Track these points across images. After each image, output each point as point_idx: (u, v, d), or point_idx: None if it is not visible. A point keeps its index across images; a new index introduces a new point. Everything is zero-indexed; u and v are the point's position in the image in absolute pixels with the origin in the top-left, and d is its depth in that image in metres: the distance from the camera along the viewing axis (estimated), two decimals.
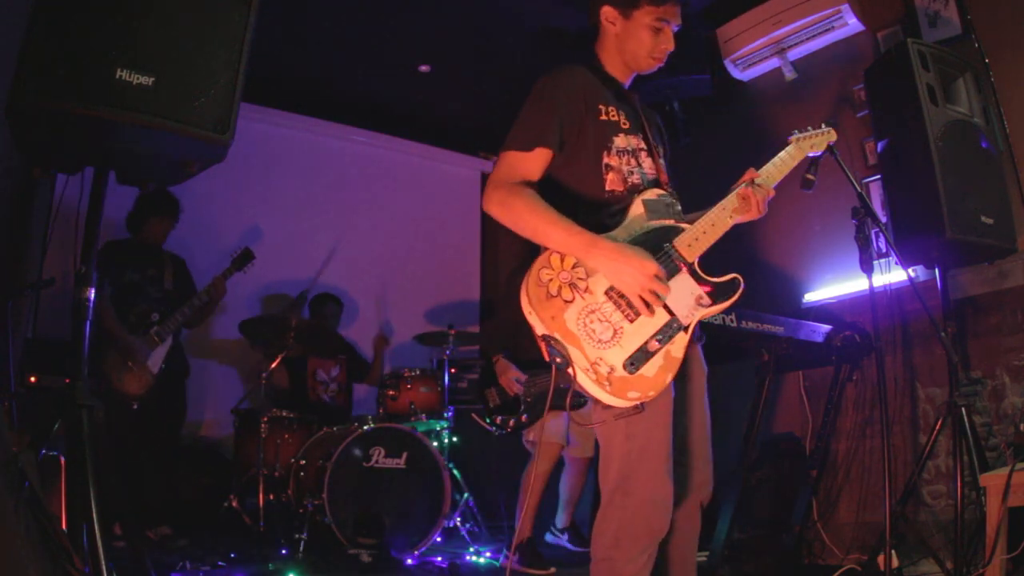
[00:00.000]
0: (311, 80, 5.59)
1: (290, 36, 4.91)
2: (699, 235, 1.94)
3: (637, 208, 1.95)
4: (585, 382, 1.75)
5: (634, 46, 2.10)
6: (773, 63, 4.45)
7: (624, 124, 2.05)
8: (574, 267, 1.81)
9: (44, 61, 2.02)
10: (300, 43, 5.05)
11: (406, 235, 6.36)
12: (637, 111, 2.14)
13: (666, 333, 1.82)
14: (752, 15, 4.39)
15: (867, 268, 2.67)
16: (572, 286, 1.79)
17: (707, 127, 4.92)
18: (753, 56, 4.46)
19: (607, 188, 1.99)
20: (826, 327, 3.50)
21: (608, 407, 1.84)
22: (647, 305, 1.81)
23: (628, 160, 2.02)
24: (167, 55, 2.19)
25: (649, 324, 1.81)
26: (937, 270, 3.25)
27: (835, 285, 4.01)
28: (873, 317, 2.92)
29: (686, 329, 1.85)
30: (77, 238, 2.30)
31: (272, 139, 5.80)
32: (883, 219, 3.50)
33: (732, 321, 3.07)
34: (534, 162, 1.96)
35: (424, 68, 5.41)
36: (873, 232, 3.46)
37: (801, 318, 3.46)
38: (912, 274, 3.27)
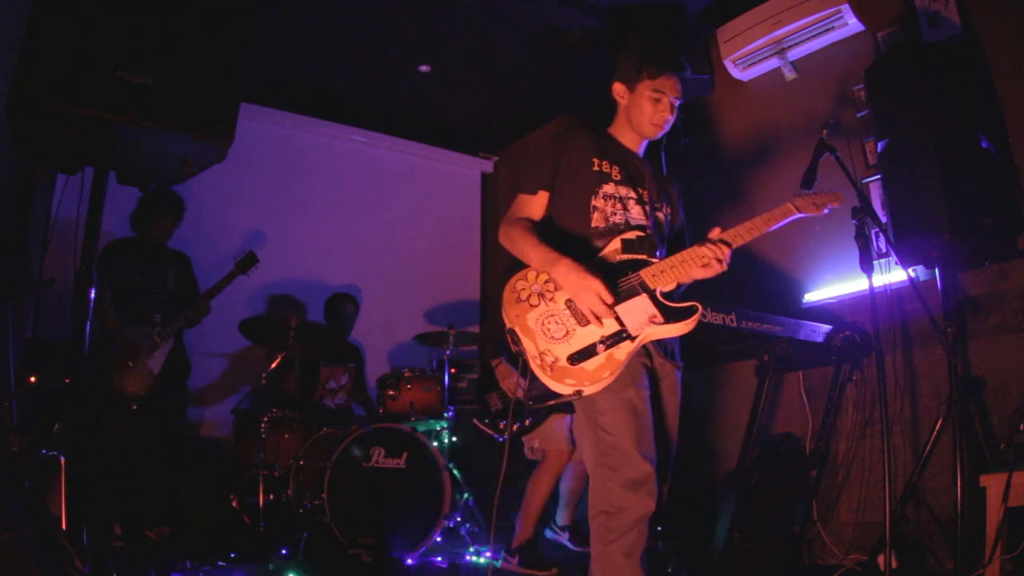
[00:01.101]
0: (311, 80, 5.58)
1: (290, 36, 4.91)
2: (665, 268, 2.27)
3: (615, 244, 2.33)
4: (534, 368, 2.16)
5: (637, 115, 2.47)
6: (773, 63, 4.44)
7: (616, 176, 2.42)
8: (545, 282, 2.24)
9: (44, 61, 2.02)
10: (300, 43, 5.05)
11: (406, 235, 6.36)
12: (640, 172, 2.49)
13: (613, 339, 2.17)
14: (752, 15, 4.39)
15: (867, 268, 2.67)
16: (540, 295, 2.23)
17: (707, 127, 4.92)
18: (753, 56, 4.46)
19: (592, 225, 2.37)
20: (826, 327, 3.50)
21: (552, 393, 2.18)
22: (595, 316, 2.17)
23: (614, 204, 2.39)
24: (167, 55, 2.19)
25: (598, 331, 2.18)
26: (937, 270, 3.25)
27: (835, 285, 4.00)
28: (873, 317, 2.93)
29: (633, 339, 2.18)
30: (77, 238, 2.31)
31: (272, 139, 5.79)
32: (883, 219, 3.49)
33: (732, 321, 3.08)
34: (537, 202, 2.43)
35: (424, 68, 5.41)
36: (873, 232, 3.47)
37: (801, 318, 3.46)
38: (912, 274, 3.27)
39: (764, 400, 3.48)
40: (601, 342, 2.17)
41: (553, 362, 2.15)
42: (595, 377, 2.14)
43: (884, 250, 3.68)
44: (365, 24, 4.84)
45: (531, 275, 2.26)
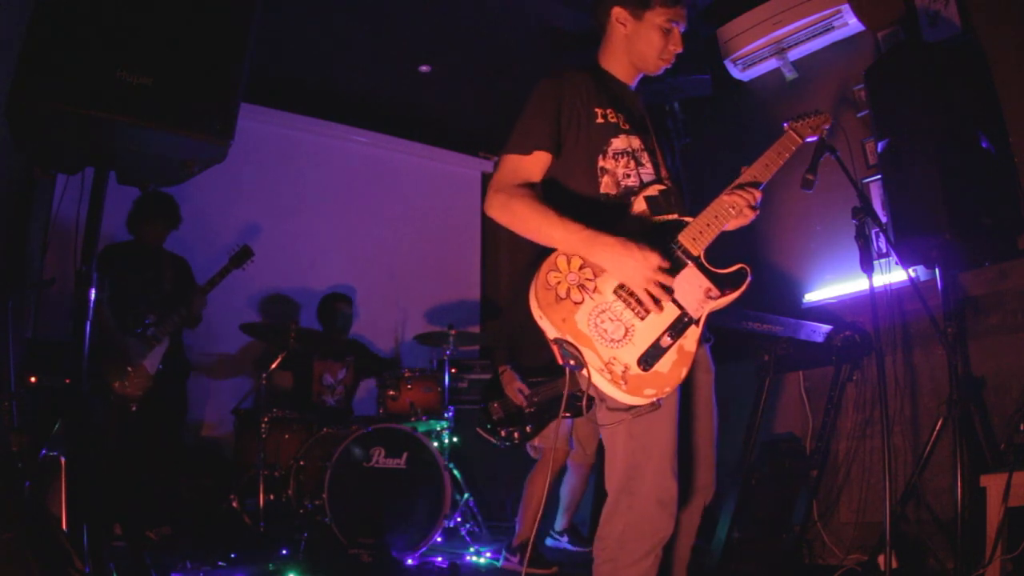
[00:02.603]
0: (311, 80, 5.59)
1: (290, 36, 4.91)
2: (703, 228, 1.95)
3: (640, 205, 1.97)
4: (600, 383, 1.77)
5: (644, 47, 2.12)
6: (773, 63, 4.44)
7: (624, 125, 2.05)
8: (581, 268, 1.82)
9: (44, 61, 2.02)
10: (300, 43, 5.05)
11: (406, 235, 6.36)
12: (641, 112, 2.15)
13: (677, 328, 1.83)
14: (752, 15, 4.38)
15: (867, 268, 2.67)
16: (581, 287, 1.81)
17: (707, 127, 4.92)
18: (753, 56, 4.45)
19: (601, 191, 2.00)
20: (826, 327, 3.50)
21: (624, 407, 1.84)
22: (655, 300, 1.82)
23: (626, 162, 2.02)
24: (167, 55, 2.19)
25: (660, 320, 1.83)
26: (937, 270, 3.25)
27: (835, 285, 4.00)
28: (873, 317, 2.93)
29: (697, 322, 1.86)
30: (77, 238, 2.30)
31: (272, 139, 5.79)
32: (883, 219, 3.49)
33: (732, 321, 3.07)
34: (533, 165, 1.99)
35: (424, 68, 5.41)
36: (873, 232, 3.47)
37: (801, 318, 3.45)
38: (912, 274, 3.27)
39: (764, 400, 3.48)
40: (667, 334, 1.82)
41: (624, 371, 1.77)
42: (673, 379, 1.81)
43: (884, 250, 3.68)
44: (365, 24, 4.84)
45: (562, 262, 1.83)
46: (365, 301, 5.96)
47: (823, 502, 3.75)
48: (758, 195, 2.05)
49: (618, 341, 1.78)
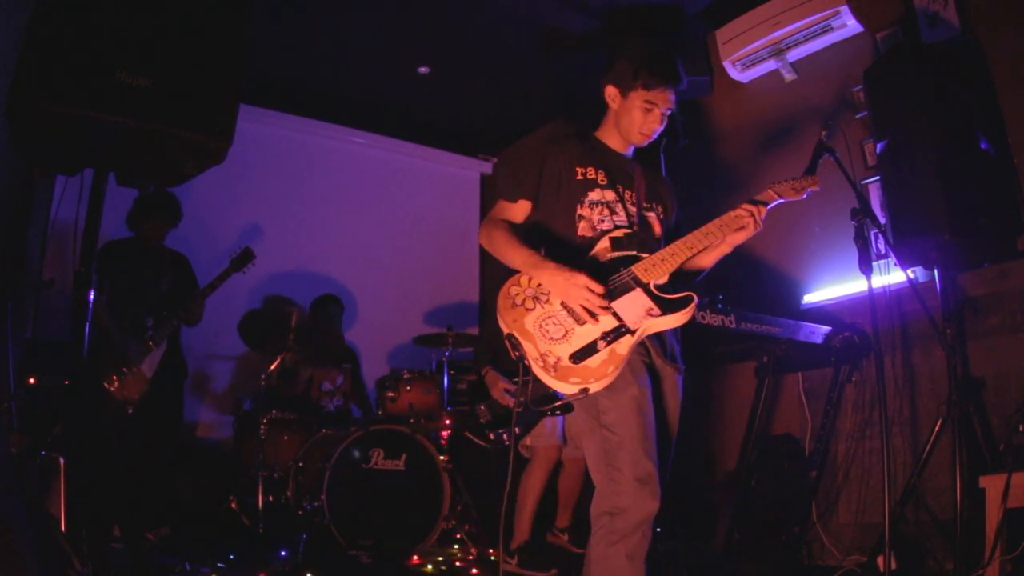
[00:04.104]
0: (310, 82, 5.59)
1: (289, 38, 4.91)
2: (656, 262, 2.27)
3: (603, 243, 2.33)
4: (536, 370, 2.13)
5: (627, 122, 2.45)
6: (772, 64, 4.44)
7: (601, 181, 2.40)
8: (538, 285, 2.24)
9: (44, 63, 2.03)
10: (299, 45, 5.05)
11: (405, 237, 6.35)
12: (628, 173, 2.47)
13: (613, 335, 2.17)
14: (751, 16, 4.39)
15: (866, 269, 2.67)
16: (535, 299, 2.23)
17: (706, 129, 4.92)
18: (752, 57, 4.46)
19: (579, 234, 2.36)
20: (825, 328, 3.50)
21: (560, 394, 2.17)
22: (589, 313, 2.16)
23: (601, 211, 2.37)
24: (166, 56, 2.19)
25: (597, 327, 2.17)
26: (936, 271, 3.25)
27: (834, 286, 4.00)
28: (872, 318, 2.92)
29: (633, 333, 2.18)
30: (76, 239, 2.31)
31: (271, 141, 5.79)
32: (882, 220, 3.50)
33: (731, 323, 3.08)
34: (517, 210, 2.43)
35: (423, 70, 5.41)
36: (872, 233, 3.47)
37: (800, 319, 3.46)
38: (911, 275, 3.27)
39: (763, 401, 3.48)
40: (602, 338, 2.15)
41: (555, 362, 2.13)
42: (600, 373, 2.12)
43: (883, 251, 3.68)
44: (364, 25, 4.84)
45: (523, 280, 2.26)
46: (364, 302, 5.96)
47: (822, 503, 3.75)
48: (764, 209, 2.35)
49: (557, 340, 2.16)
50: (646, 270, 2.27)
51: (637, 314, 2.19)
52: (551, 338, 2.16)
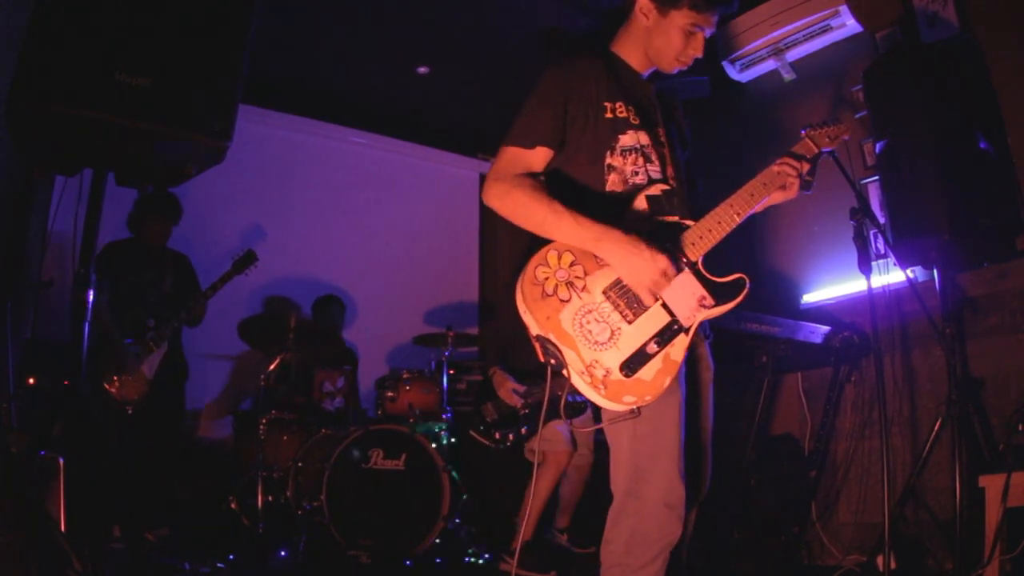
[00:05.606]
0: (310, 82, 5.59)
1: (289, 38, 4.91)
2: (703, 233, 1.89)
3: (640, 203, 1.90)
4: (580, 385, 1.71)
5: (662, 44, 2.03)
6: (771, 64, 4.44)
7: (634, 120, 1.98)
8: (572, 265, 1.76)
9: (43, 63, 2.02)
10: (299, 45, 5.05)
11: (405, 237, 6.35)
12: (651, 102, 2.08)
13: (665, 335, 1.77)
14: (750, 16, 4.38)
15: (866, 269, 2.67)
16: (569, 285, 1.74)
17: (706, 129, 4.91)
18: (752, 57, 4.46)
19: (608, 189, 1.93)
20: (825, 328, 3.50)
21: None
22: (650, 297, 1.77)
23: (635, 160, 1.95)
24: (165, 56, 2.19)
25: (648, 326, 1.77)
26: (936, 271, 3.25)
27: (834, 286, 4.00)
28: (872, 318, 2.92)
29: (687, 331, 1.80)
30: (76, 240, 2.30)
31: (270, 141, 5.79)
32: (881, 220, 3.50)
33: (731, 322, 3.07)
34: (535, 158, 1.92)
35: (423, 69, 5.41)
36: (872, 233, 3.47)
37: (800, 319, 3.46)
38: (911, 275, 3.28)
39: (763, 401, 3.48)
40: (654, 341, 1.76)
41: (605, 376, 1.70)
42: (655, 388, 1.74)
43: (883, 251, 3.68)
44: (364, 25, 4.84)
45: (552, 258, 1.76)
46: (363, 302, 5.96)
47: (822, 503, 3.75)
48: (806, 164, 2.02)
49: (602, 344, 1.72)
50: (694, 243, 1.86)
51: (689, 305, 1.80)
52: (596, 342, 1.72)
